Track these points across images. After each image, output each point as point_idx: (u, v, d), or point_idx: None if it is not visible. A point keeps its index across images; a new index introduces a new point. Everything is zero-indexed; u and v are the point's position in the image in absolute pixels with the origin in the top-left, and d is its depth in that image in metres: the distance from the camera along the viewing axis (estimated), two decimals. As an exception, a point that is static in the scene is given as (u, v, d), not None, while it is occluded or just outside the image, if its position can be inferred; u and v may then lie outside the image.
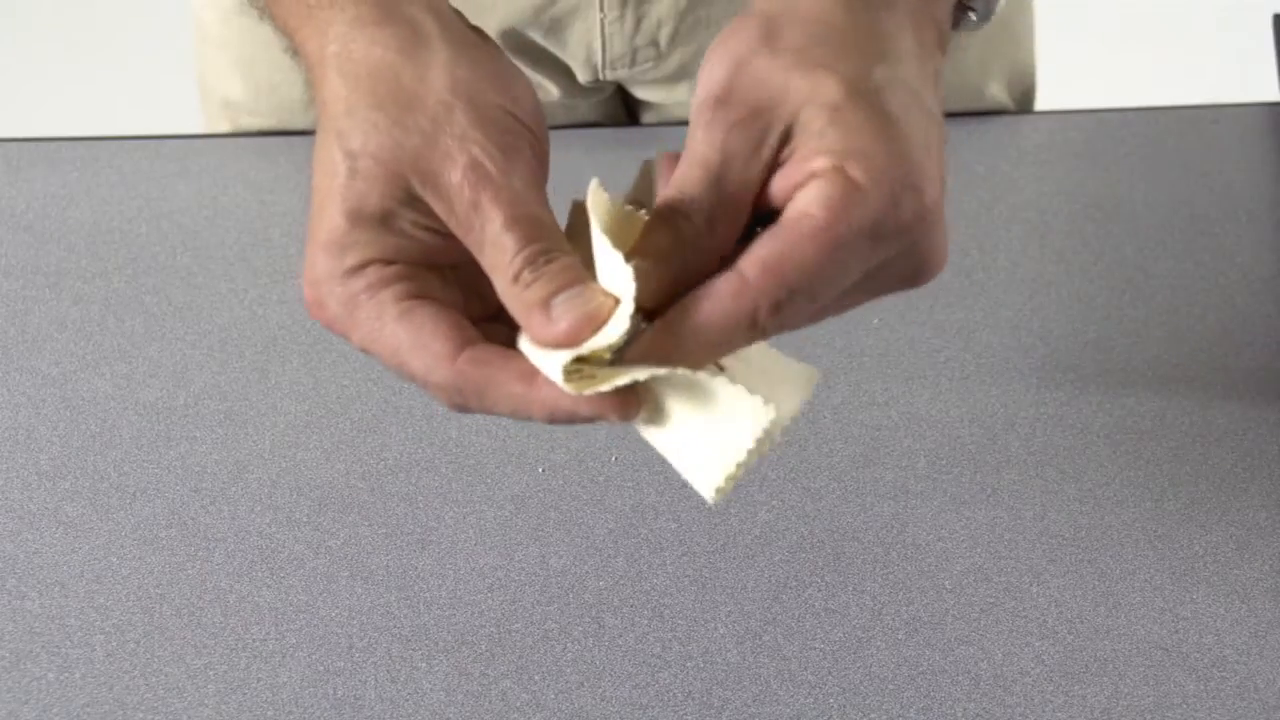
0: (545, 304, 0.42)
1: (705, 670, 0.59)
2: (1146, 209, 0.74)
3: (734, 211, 0.43)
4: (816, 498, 0.64)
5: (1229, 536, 0.63)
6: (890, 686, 0.59)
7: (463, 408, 0.45)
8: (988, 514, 0.64)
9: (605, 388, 0.42)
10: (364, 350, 0.45)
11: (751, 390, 0.42)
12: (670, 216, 0.43)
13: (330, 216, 0.44)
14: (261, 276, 0.73)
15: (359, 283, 0.44)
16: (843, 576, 0.62)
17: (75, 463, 0.66)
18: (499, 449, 0.66)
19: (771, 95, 0.42)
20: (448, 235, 0.44)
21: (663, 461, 0.65)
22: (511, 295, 0.43)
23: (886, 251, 0.42)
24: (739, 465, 0.42)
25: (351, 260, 0.44)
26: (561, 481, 0.65)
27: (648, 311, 0.43)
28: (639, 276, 0.41)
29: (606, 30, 0.78)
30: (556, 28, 0.78)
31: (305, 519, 0.64)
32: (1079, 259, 0.72)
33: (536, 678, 0.59)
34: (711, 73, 0.44)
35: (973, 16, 0.51)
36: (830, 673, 0.59)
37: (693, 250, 0.42)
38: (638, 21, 0.77)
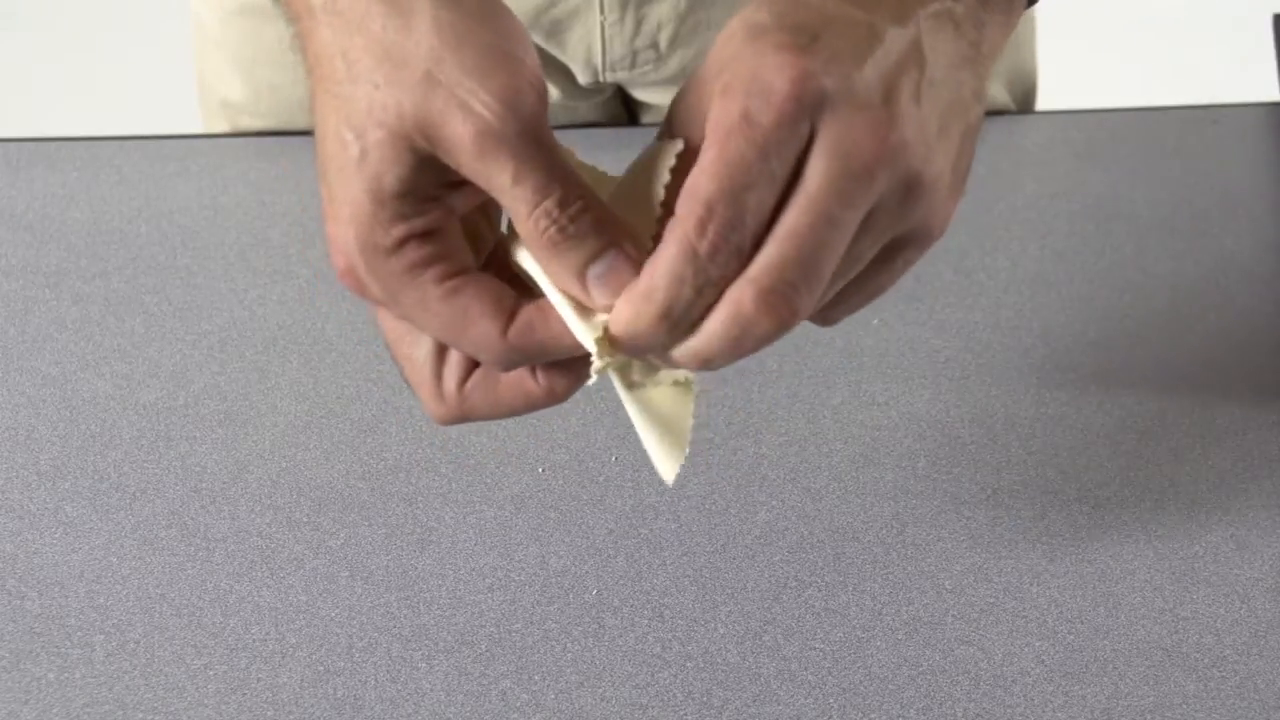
0: (580, 273, 0.43)
1: (705, 670, 0.59)
2: (1146, 209, 0.74)
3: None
4: (816, 498, 0.64)
5: (1229, 536, 0.63)
6: (890, 686, 0.59)
7: (527, 363, 0.46)
8: (988, 514, 0.64)
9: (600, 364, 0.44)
10: (405, 319, 0.45)
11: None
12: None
13: (351, 192, 0.43)
14: (261, 276, 0.73)
15: (398, 263, 0.43)
16: (843, 576, 0.62)
17: (75, 463, 0.66)
18: (499, 449, 0.66)
19: (727, 63, 0.43)
20: (468, 183, 0.43)
21: (663, 461, 0.65)
22: (539, 250, 0.43)
23: (786, 131, 0.41)
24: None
25: (387, 239, 0.43)
26: (561, 481, 0.65)
27: None
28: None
29: (606, 32, 0.78)
30: (556, 30, 0.78)
31: (305, 519, 0.64)
32: (1079, 259, 0.72)
33: (536, 678, 0.59)
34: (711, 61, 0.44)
35: None
36: (830, 673, 0.59)
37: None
38: (638, 24, 0.77)
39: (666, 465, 0.47)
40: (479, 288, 0.44)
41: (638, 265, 0.43)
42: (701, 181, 0.41)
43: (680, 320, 0.42)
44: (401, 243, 0.43)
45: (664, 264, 0.42)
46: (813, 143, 0.41)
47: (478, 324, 0.44)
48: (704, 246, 0.41)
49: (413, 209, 0.43)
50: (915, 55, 0.43)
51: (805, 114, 0.41)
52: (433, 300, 0.44)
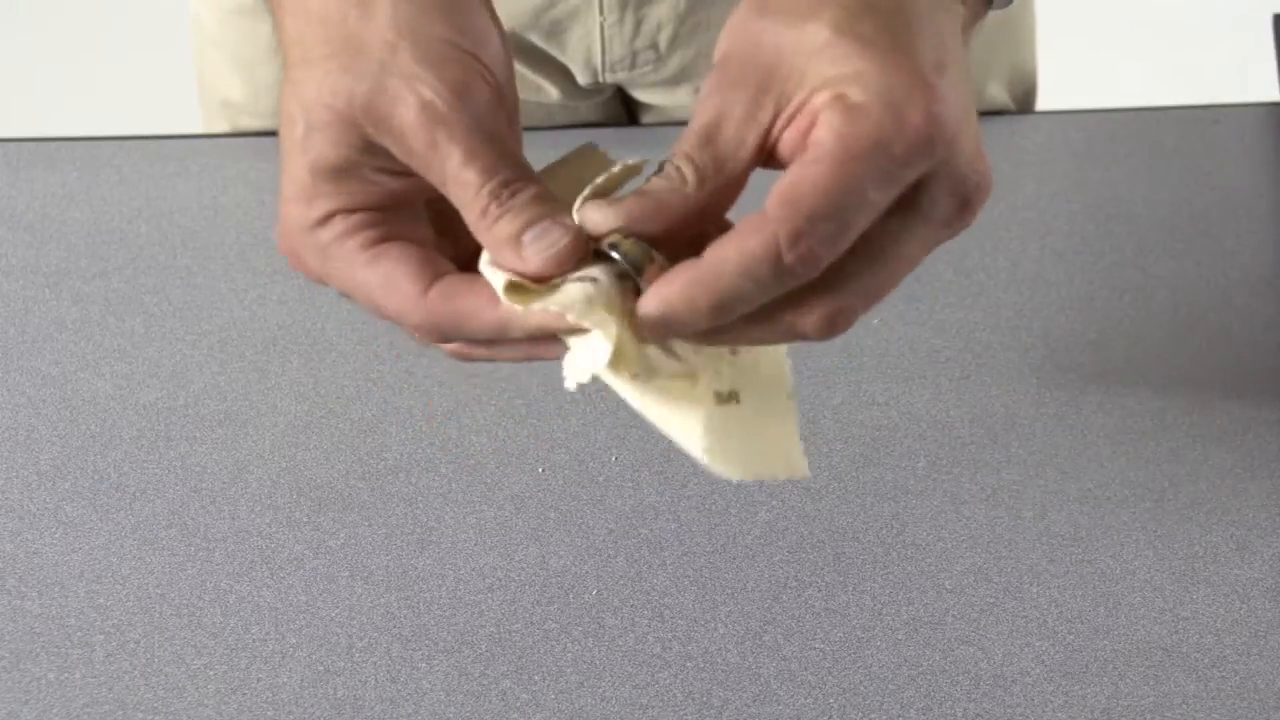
0: (515, 240, 0.42)
1: (705, 670, 0.59)
2: (1146, 209, 0.74)
3: (725, 168, 0.42)
4: (816, 498, 0.64)
5: (1229, 536, 0.63)
6: (890, 686, 0.59)
7: (446, 342, 0.45)
8: (988, 514, 0.64)
9: (536, 305, 0.42)
10: (345, 297, 0.46)
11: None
12: (661, 171, 0.43)
13: (294, 170, 0.44)
14: (261, 276, 0.73)
15: (327, 234, 0.44)
16: (843, 576, 0.62)
17: (75, 463, 0.66)
18: (499, 449, 0.66)
19: (767, 55, 0.42)
20: (413, 175, 0.44)
21: (663, 461, 0.65)
22: (481, 230, 0.43)
23: (908, 170, 0.41)
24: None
25: (316, 212, 0.44)
26: (561, 481, 0.65)
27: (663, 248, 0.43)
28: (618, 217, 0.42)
29: (606, 33, 0.78)
30: (556, 30, 0.78)
31: (305, 519, 0.64)
32: (1079, 259, 0.72)
33: (536, 678, 0.59)
34: (716, 48, 0.44)
35: None
36: (830, 673, 0.59)
37: (679, 203, 0.42)
38: (637, 24, 0.77)
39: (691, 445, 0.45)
40: (403, 252, 0.44)
41: (576, 238, 0.42)
42: (809, 193, 0.40)
43: (729, 314, 0.41)
44: (329, 215, 0.44)
45: (740, 258, 0.40)
46: (927, 180, 0.42)
47: (400, 286, 0.44)
48: (791, 258, 0.40)
49: (347, 188, 0.44)
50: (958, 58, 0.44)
51: (935, 152, 0.41)
52: (358, 267, 0.44)
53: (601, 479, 0.65)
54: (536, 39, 0.78)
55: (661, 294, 0.41)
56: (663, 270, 0.42)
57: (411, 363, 0.69)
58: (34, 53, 2.04)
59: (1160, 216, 0.74)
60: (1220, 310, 0.70)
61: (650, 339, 0.43)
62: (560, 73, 0.81)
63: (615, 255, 0.42)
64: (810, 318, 0.42)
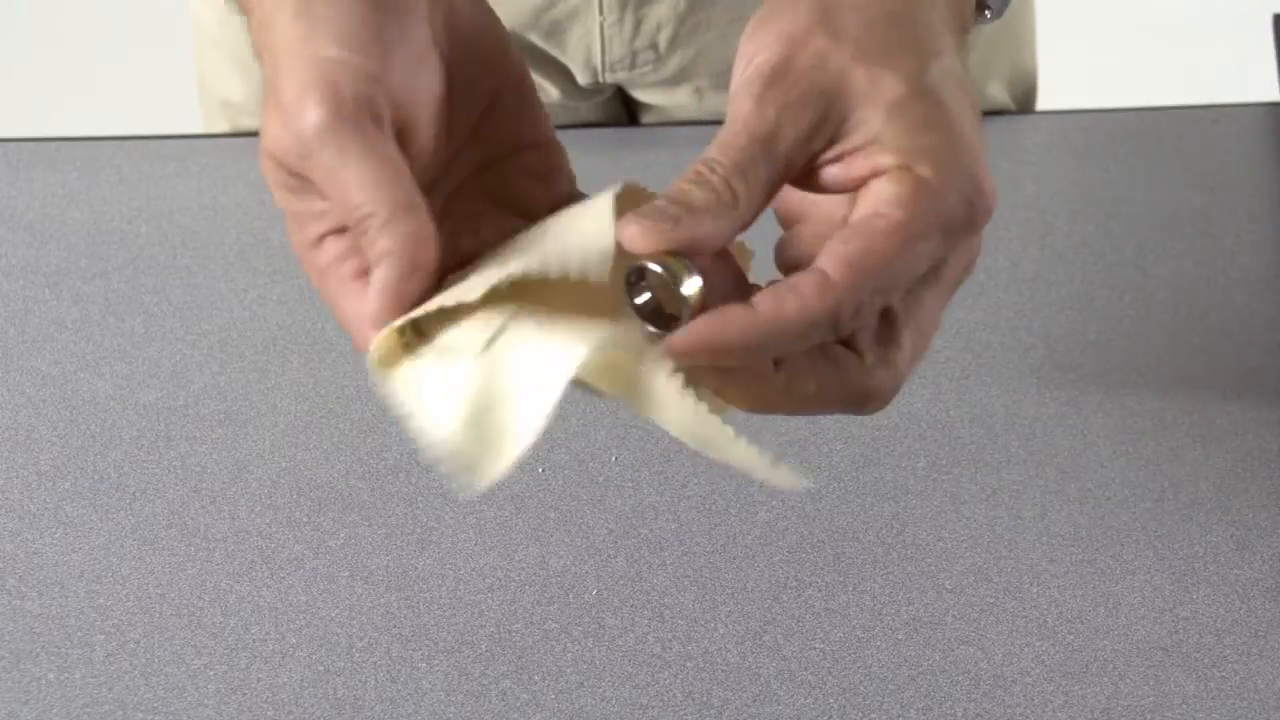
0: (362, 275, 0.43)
1: (705, 670, 0.59)
2: (1146, 209, 0.74)
3: (766, 183, 0.42)
4: (816, 498, 0.64)
5: (1229, 536, 0.63)
6: (890, 686, 0.59)
7: None
8: (988, 514, 0.64)
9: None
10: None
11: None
12: (694, 173, 0.41)
13: (275, 191, 0.44)
14: (261, 276, 0.73)
15: (322, 258, 0.44)
16: (843, 576, 0.62)
17: (75, 463, 0.66)
18: (499, 449, 0.66)
19: (833, 81, 0.42)
20: None
21: (663, 461, 0.65)
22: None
23: (953, 247, 0.42)
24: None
25: (310, 235, 0.44)
26: (561, 481, 0.65)
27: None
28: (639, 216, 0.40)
29: (606, 33, 0.78)
30: (556, 30, 0.78)
31: (305, 519, 0.64)
32: (1079, 259, 0.72)
33: (536, 678, 0.59)
34: (763, 47, 0.43)
35: (988, 15, 0.51)
36: (830, 673, 0.59)
37: (728, 225, 0.41)
38: (637, 24, 0.77)
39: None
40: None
41: (406, 283, 0.41)
42: (878, 268, 0.40)
43: (769, 355, 0.41)
44: (321, 239, 0.44)
45: (804, 317, 0.40)
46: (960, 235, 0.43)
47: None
48: (851, 324, 0.41)
49: (323, 212, 0.44)
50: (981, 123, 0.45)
51: (979, 230, 0.43)
52: (348, 298, 0.44)
53: (601, 479, 0.65)
54: (536, 39, 0.78)
55: (718, 330, 0.40)
56: (700, 297, 0.40)
57: (411, 363, 0.69)
58: (34, 53, 2.04)
59: (1160, 216, 0.74)
60: (1220, 310, 0.70)
61: (678, 359, 0.41)
62: (560, 73, 0.81)
63: (659, 270, 0.40)
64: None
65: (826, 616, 0.61)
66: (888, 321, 0.43)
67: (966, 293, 0.71)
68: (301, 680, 0.60)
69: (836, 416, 0.67)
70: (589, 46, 0.78)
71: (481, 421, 0.40)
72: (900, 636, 0.60)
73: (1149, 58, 1.95)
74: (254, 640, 0.61)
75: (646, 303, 0.41)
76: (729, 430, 0.41)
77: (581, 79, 0.81)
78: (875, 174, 0.41)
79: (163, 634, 0.61)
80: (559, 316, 0.42)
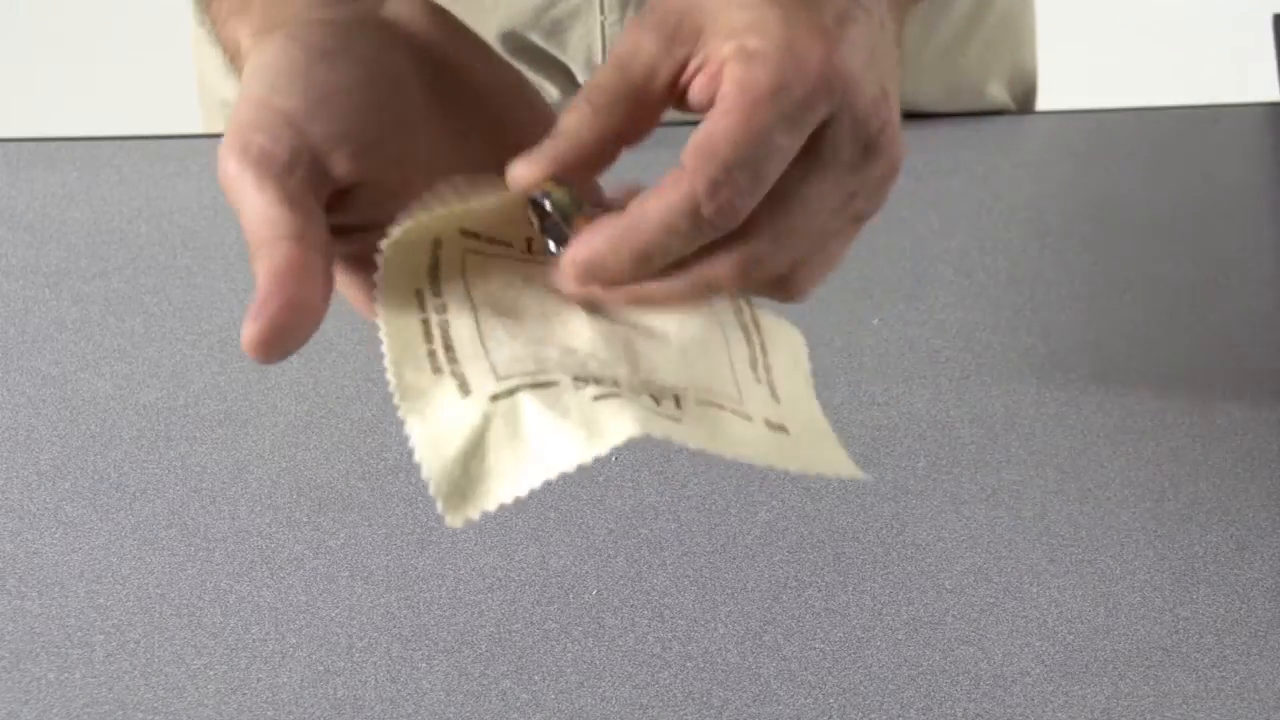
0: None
1: (705, 670, 0.59)
2: (1146, 209, 0.74)
3: (625, 95, 0.44)
4: (816, 498, 0.64)
5: (1229, 536, 0.63)
6: (890, 686, 0.59)
7: None
8: (988, 514, 0.64)
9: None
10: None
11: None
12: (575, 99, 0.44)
13: None
14: (261, 276, 0.72)
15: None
16: (843, 576, 0.62)
17: (75, 463, 0.66)
18: (499, 449, 0.66)
19: (684, 3, 0.44)
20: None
21: (663, 461, 0.65)
22: None
23: (810, 112, 0.42)
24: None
25: None
26: (561, 481, 0.65)
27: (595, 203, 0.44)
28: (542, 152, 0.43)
29: (607, 33, 0.78)
30: (557, 30, 0.78)
31: (305, 519, 0.64)
32: (1079, 259, 0.72)
33: (536, 678, 0.59)
34: None
35: None
36: (830, 673, 0.59)
37: (590, 132, 0.44)
38: (637, 23, 0.77)
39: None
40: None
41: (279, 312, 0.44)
42: (722, 145, 0.41)
43: (650, 265, 0.43)
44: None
45: (661, 211, 0.42)
46: (828, 125, 0.43)
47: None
48: (710, 209, 0.42)
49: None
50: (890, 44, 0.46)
51: (833, 94, 0.42)
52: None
53: (601, 479, 0.65)
54: (537, 38, 0.78)
55: (588, 242, 0.43)
56: (589, 221, 0.43)
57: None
58: (34, 53, 2.04)
59: (1160, 216, 0.74)
60: (1220, 310, 0.70)
61: (576, 287, 0.44)
62: (561, 72, 0.81)
63: (547, 205, 0.44)
64: (724, 266, 0.44)
65: (826, 616, 0.61)
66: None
67: (966, 293, 0.72)
68: (301, 680, 0.60)
69: (836, 416, 0.67)
70: (590, 46, 0.79)
71: (473, 462, 0.42)
72: (900, 636, 0.60)
73: (1149, 58, 1.95)
74: (254, 640, 0.61)
75: (552, 238, 0.45)
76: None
77: (582, 78, 0.81)
78: (721, 66, 0.43)
79: (163, 634, 0.61)
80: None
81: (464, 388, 0.42)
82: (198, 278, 0.73)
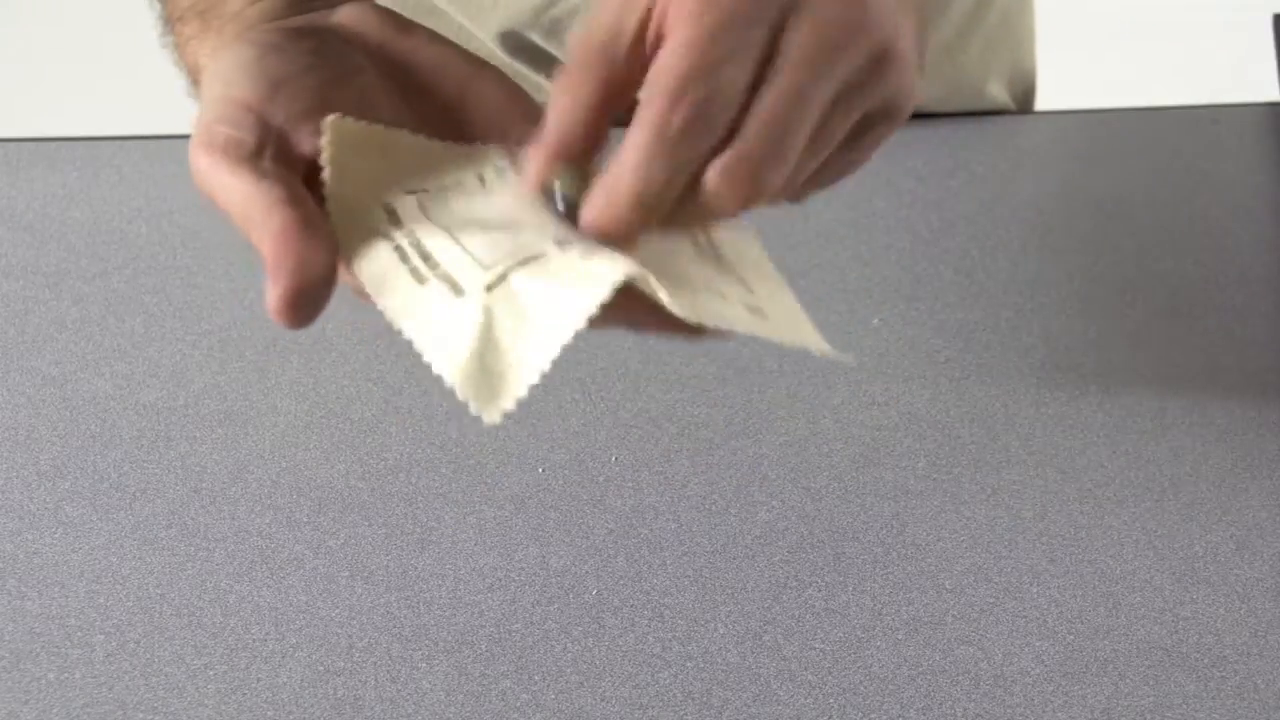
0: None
1: (705, 670, 0.59)
2: (1146, 209, 0.74)
3: (598, 65, 0.44)
4: (816, 498, 0.64)
5: (1229, 536, 0.63)
6: (890, 686, 0.59)
7: None
8: (988, 514, 0.64)
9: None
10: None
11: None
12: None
13: None
14: (261, 276, 0.72)
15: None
16: (843, 576, 0.62)
17: (75, 463, 0.66)
18: (499, 449, 0.66)
19: None
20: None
21: (663, 461, 0.65)
22: None
23: (757, 8, 0.42)
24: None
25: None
26: (561, 481, 0.65)
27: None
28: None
29: (606, 31, 0.78)
30: (556, 29, 0.78)
31: (305, 519, 0.64)
32: (1079, 259, 0.72)
33: (536, 678, 0.59)
34: None
35: None
36: (830, 673, 0.59)
37: (569, 101, 0.44)
38: (637, 22, 0.77)
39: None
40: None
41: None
42: (673, 60, 0.41)
43: (655, 205, 0.42)
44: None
45: (633, 148, 0.41)
46: (789, 17, 0.42)
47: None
48: (676, 124, 0.41)
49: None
50: None
51: None
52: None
53: (601, 479, 0.65)
54: (537, 38, 0.78)
55: (589, 207, 0.43)
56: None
57: (412, 363, 0.68)
58: (34, 53, 2.04)
59: (1160, 216, 0.74)
60: (1220, 310, 0.70)
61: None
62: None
63: (556, 189, 0.44)
64: (711, 176, 0.42)
65: (826, 616, 0.61)
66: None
67: (966, 293, 0.72)
68: (301, 680, 0.60)
69: (836, 415, 0.67)
70: (589, 46, 0.78)
71: (488, 355, 0.41)
72: (900, 636, 0.60)
73: (1149, 58, 1.95)
74: (254, 640, 0.61)
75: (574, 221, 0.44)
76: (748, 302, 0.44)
77: (582, 78, 0.81)
78: (670, 3, 0.42)
79: (163, 634, 0.61)
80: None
81: (455, 289, 0.42)
82: (198, 278, 0.73)
